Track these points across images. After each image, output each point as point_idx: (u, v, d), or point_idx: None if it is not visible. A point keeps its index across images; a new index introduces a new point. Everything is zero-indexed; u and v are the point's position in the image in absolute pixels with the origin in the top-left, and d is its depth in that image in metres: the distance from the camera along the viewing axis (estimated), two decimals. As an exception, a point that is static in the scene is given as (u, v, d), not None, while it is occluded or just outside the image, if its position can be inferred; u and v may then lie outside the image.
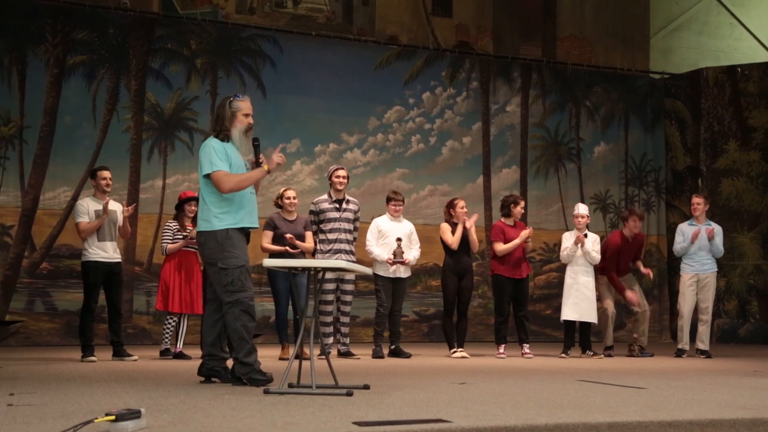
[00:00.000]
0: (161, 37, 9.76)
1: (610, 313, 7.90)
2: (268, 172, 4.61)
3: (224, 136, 4.61)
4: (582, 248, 7.65)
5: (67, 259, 9.00)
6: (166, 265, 7.03)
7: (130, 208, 6.87)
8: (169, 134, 9.68)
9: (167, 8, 9.86)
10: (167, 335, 7.04)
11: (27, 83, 9.14)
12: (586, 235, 7.72)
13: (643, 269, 8.12)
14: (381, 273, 7.30)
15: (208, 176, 4.52)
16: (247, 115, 4.64)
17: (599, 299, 7.95)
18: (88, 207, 6.69)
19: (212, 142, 4.59)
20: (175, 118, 9.74)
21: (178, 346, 6.98)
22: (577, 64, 11.54)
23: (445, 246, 7.53)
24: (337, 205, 7.17)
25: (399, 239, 7.31)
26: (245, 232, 4.65)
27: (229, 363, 4.71)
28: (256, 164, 4.64)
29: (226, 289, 4.49)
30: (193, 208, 6.93)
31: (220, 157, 4.51)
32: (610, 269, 7.85)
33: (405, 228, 7.47)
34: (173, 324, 7.02)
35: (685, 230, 8.13)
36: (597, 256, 7.75)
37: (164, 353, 6.96)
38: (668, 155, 11.80)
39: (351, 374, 5.19)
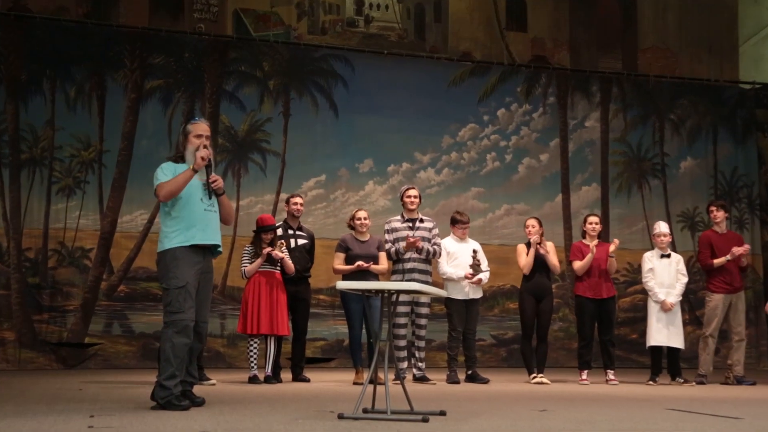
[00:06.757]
0: (235, 59, 9.99)
1: (711, 341, 7.60)
2: (194, 170, 4.51)
3: (178, 157, 4.69)
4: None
5: (144, 281, 9.21)
6: (249, 286, 6.90)
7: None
8: (242, 156, 9.86)
9: (240, 31, 10.11)
10: (253, 359, 6.89)
11: (106, 108, 9.42)
12: (669, 255, 7.52)
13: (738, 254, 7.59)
14: (453, 296, 7.22)
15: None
16: (198, 136, 4.66)
17: (705, 324, 7.68)
18: None
19: (162, 164, 4.66)
20: (248, 140, 9.93)
21: (267, 369, 6.84)
22: (660, 76, 11.27)
23: None
24: (410, 224, 7.16)
25: (475, 251, 7.23)
26: (204, 249, 4.59)
27: (196, 388, 4.66)
28: (207, 183, 4.59)
29: (166, 310, 4.47)
30: (269, 236, 6.93)
31: (165, 172, 4.57)
32: (705, 260, 7.58)
33: (474, 247, 7.40)
34: (256, 347, 6.91)
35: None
36: (684, 278, 7.52)
37: (253, 380, 6.76)
38: (761, 169, 11.37)
39: (426, 399, 5.16)
